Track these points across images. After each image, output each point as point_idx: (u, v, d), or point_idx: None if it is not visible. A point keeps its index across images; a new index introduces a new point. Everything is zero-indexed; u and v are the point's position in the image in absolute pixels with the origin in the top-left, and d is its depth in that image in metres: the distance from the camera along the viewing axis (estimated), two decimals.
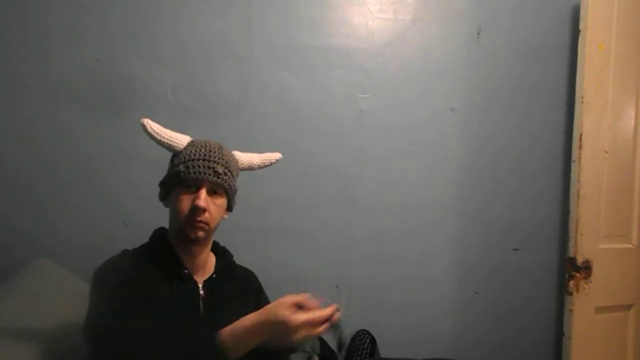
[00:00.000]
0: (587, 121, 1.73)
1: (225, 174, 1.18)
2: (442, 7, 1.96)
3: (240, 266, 1.37)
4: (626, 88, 1.85)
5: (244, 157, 1.29)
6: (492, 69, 1.98)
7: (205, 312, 1.17)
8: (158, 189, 1.25)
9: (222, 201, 1.21)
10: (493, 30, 1.98)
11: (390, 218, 1.92)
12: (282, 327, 1.00)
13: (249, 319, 1.04)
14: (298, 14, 1.88)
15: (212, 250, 1.28)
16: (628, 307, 1.86)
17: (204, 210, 1.14)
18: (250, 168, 1.30)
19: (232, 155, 1.25)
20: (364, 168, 1.91)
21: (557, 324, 1.96)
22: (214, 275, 1.24)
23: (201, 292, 1.19)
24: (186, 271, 1.18)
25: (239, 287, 1.28)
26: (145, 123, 1.19)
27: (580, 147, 1.72)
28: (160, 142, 1.20)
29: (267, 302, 1.28)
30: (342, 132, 1.90)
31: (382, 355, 1.79)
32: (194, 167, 1.15)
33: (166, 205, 1.24)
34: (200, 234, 1.16)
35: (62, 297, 1.42)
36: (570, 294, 1.70)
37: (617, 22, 1.79)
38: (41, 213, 1.73)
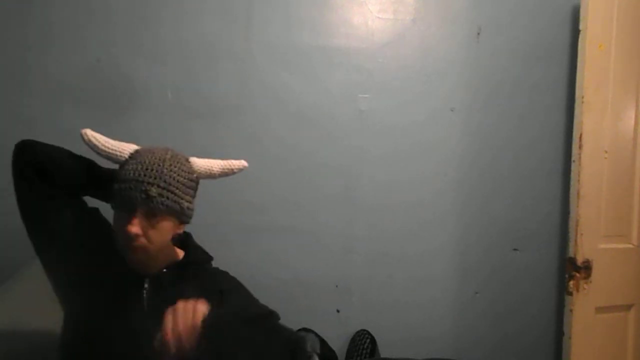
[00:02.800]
0: (587, 121, 1.72)
1: (162, 194, 1.05)
2: (442, 7, 1.96)
3: (213, 267, 1.27)
4: (626, 88, 1.85)
5: (203, 164, 1.16)
6: (492, 69, 1.98)
7: (148, 305, 1.10)
8: None
9: (165, 223, 1.08)
10: (493, 30, 1.98)
11: (390, 218, 1.92)
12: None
13: None
14: (298, 14, 1.88)
15: (184, 247, 1.21)
16: (628, 307, 1.86)
17: (136, 236, 1.05)
18: (210, 176, 1.18)
19: (183, 165, 1.12)
20: (364, 168, 1.91)
21: (557, 324, 1.96)
22: (164, 270, 1.14)
23: (145, 285, 1.12)
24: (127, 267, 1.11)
25: (198, 287, 1.13)
26: (84, 133, 1.12)
27: (580, 147, 1.72)
28: (99, 154, 1.12)
29: (239, 302, 1.20)
30: (342, 132, 1.90)
31: (382, 355, 1.79)
32: (125, 189, 1.04)
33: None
34: (140, 256, 1.08)
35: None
36: (570, 294, 1.70)
37: (617, 22, 1.79)
38: None
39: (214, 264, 1.29)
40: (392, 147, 1.93)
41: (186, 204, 1.12)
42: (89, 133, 1.12)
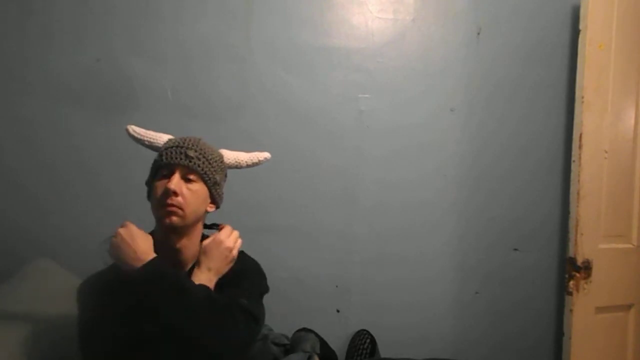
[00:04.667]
0: (587, 121, 1.73)
1: (199, 158, 1.17)
2: (442, 7, 1.96)
3: (244, 255, 1.32)
4: (626, 88, 1.85)
5: (231, 155, 1.29)
6: (492, 69, 1.98)
7: None
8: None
9: (198, 187, 1.17)
10: (493, 30, 1.98)
11: (390, 218, 1.92)
12: (218, 246, 1.18)
13: (194, 272, 1.16)
14: (298, 14, 1.88)
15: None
16: (628, 307, 1.86)
17: (174, 193, 1.12)
18: (238, 166, 1.29)
19: (214, 149, 1.25)
20: (364, 168, 1.91)
21: (557, 324, 1.96)
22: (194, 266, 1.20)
23: None
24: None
25: (223, 277, 1.21)
26: (129, 129, 1.24)
27: (580, 147, 1.72)
28: (142, 143, 1.24)
29: (250, 285, 1.24)
30: (342, 132, 1.90)
31: (382, 355, 1.79)
32: (166, 154, 1.16)
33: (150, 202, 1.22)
34: (175, 219, 1.13)
35: (62, 297, 1.42)
36: (570, 294, 1.70)
37: (617, 22, 1.79)
38: (41, 213, 1.74)
39: None
40: (392, 147, 1.93)
41: (219, 181, 1.23)
42: (133, 128, 1.24)
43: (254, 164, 1.32)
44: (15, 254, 1.64)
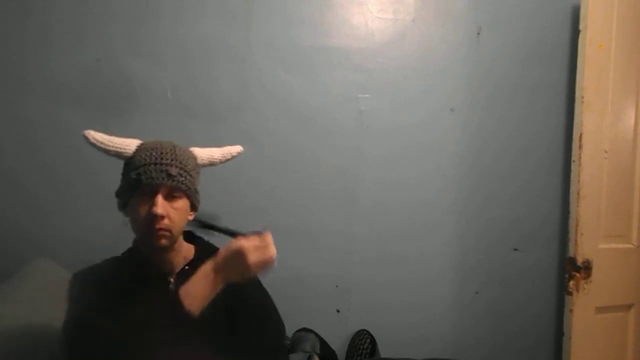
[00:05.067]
0: (587, 121, 1.73)
1: (181, 174, 1.12)
2: (442, 7, 1.96)
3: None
4: (626, 88, 1.85)
5: (204, 153, 1.23)
6: (492, 69, 1.98)
7: (175, 304, 1.11)
8: None
9: (182, 204, 1.14)
10: (493, 30, 1.98)
11: (390, 218, 1.92)
12: (237, 257, 1.06)
13: (206, 265, 1.06)
14: (298, 14, 1.88)
15: (193, 242, 1.26)
16: (628, 307, 1.86)
17: (162, 217, 1.09)
18: (212, 164, 1.24)
19: (189, 153, 1.19)
20: (364, 168, 1.91)
21: (557, 324, 1.96)
22: (186, 267, 1.19)
23: (171, 286, 1.16)
24: (152, 269, 1.16)
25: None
26: (87, 134, 1.14)
27: (580, 147, 1.72)
28: (106, 152, 1.14)
29: (255, 288, 1.26)
30: (342, 132, 1.90)
31: (382, 355, 1.79)
32: (145, 172, 1.09)
33: (126, 215, 1.20)
34: (163, 241, 1.11)
35: (62, 297, 1.41)
36: (570, 294, 1.70)
37: (617, 22, 1.79)
38: (41, 213, 1.74)
39: None
40: (392, 147, 1.93)
41: (197, 188, 1.19)
42: (92, 134, 1.15)
43: (227, 160, 1.27)
44: (15, 254, 1.64)
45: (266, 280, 1.41)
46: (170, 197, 1.12)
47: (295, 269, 1.84)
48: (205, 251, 1.25)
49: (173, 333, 1.05)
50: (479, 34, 1.97)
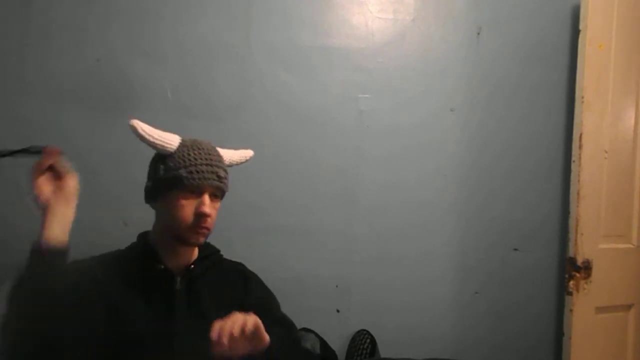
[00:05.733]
0: (587, 121, 1.73)
1: (226, 177, 1.19)
2: (442, 7, 1.96)
3: (227, 259, 1.35)
4: (626, 88, 1.85)
5: (226, 155, 1.27)
6: (492, 69, 1.98)
7: (181, 303, 1.16)
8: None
9: (219, 204, 1.20)
10: (493, 30, 1.98)
11: (390, 218, 1.92)
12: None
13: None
14: (298, 14, 1.88)
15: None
16: (628, 307, 1.86)
17: (209, 216, 1.13)
18: (230, 165, 1.27)
19: (221, 154, 1.24)
20: (364, 168, 1.91)
21: (557, 324, 1.96)
22: (192, 266, 1.21)
23: (177, 285, 1.17)
24: (162, 266, 1.17)
25: (222, 276, 1.26)
26: (135, 124, 1.15)
27: (580, 147, 1.72)
28: (152, 144, 1.16)
29: (261, 290, 1.31)
30: (342, 132, 1.90)
31: (382, 355, 1.79)
32: (198, 172, 1.12)
33: (154, 208, 1.21)
34: (202, 239, 1.16)
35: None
36: (570, 294, 1.70)
37: (617, 22, 1.79)
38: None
39: None
40: (392, 147, 1.93)
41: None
42: (140, 125, 1.15)
43: (243, 162, 1.32)
44: (15, 254, 1.64)
45: (267, 281, 1.41)
46: (213, 196, 1.16)
47: (295, 269, 1.84)
48: (206, 250, 1.28)
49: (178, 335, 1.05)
50: (479, 34, 1.97)
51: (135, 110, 1.78)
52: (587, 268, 1.71)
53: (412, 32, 1.95)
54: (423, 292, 1.93)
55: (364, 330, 1.85)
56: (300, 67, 1.88)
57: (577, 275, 1.70)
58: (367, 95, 1.91)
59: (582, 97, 1.72)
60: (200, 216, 1.12)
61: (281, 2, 1.87)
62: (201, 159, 1.15)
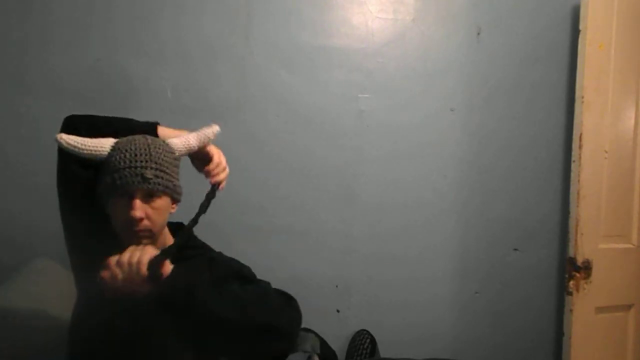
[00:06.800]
0: (587, 121, 1.73)
1: (157, 175, 1.10)
2: (442, 7, 1.96)
3: (214, 252, 1.31)
4: (626, 88, 1.85)
5: (180, 143, 1.19)
6: (492, 69, 1.98)
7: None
8: None
9: (161, 202, 1.12)
10: (493, 30, 1.98)
11: (390, 218, 1.92)
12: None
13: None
14: (298, 14, 1.88)
15: (174, 231, 1.24)
16: (628, 307, 1.86)
17: (140, 219, 1.08)
18: (190, 150, 1.20)
19: (164, 147, 1.15)
20: (364, 168, 1.91)
21: (557, 324, 1.96)
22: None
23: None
24: None
25: (186, 262, 1.17)
26: (59, 138, 1.11)
27: (580, 147, 1.72)
28: (82, 155, 1.12)
29: (227, 266, 1.27)
30: (342, 132, 1.90)
31: (382, 355, 1.79)
32: (121, 177, 1.07)
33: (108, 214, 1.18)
34: (145, 241, 1.10)
35: (62, 297, 1.42)
36: (570, 294, 1.70)
37: (617, 22, 1.79)
38: (42, 212, 1.73)
39: None
40: (392, 147, 1.93)
41: (176, 182, 1.16)
42: (65, 138, 1.12)
43: (205, 143, 1.23)
44: (16, 253, 1.64)
45: (266, 280, 1.41)
46: (148, 197, 1.10)
47: (295, 268, 1.84)
48: (183, 240, 1.20)
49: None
50: (479, 34, 1.98)
51: (136, 110, 1.78)
52: (587, 268, 1.71)
53: (412, 32, 1.95)
54: (423, 292, 1.94)
55: (364, 330, 1.85)
56: (301, 67, 1.88)
57: (577, 275, 1.70)
58: (367, 95, 1.91)
59: (582, 97, 1.72)
60: (131, 219, 1.07)
61: (281, 2, 1.87)
62: (124, 162, 1.09)
